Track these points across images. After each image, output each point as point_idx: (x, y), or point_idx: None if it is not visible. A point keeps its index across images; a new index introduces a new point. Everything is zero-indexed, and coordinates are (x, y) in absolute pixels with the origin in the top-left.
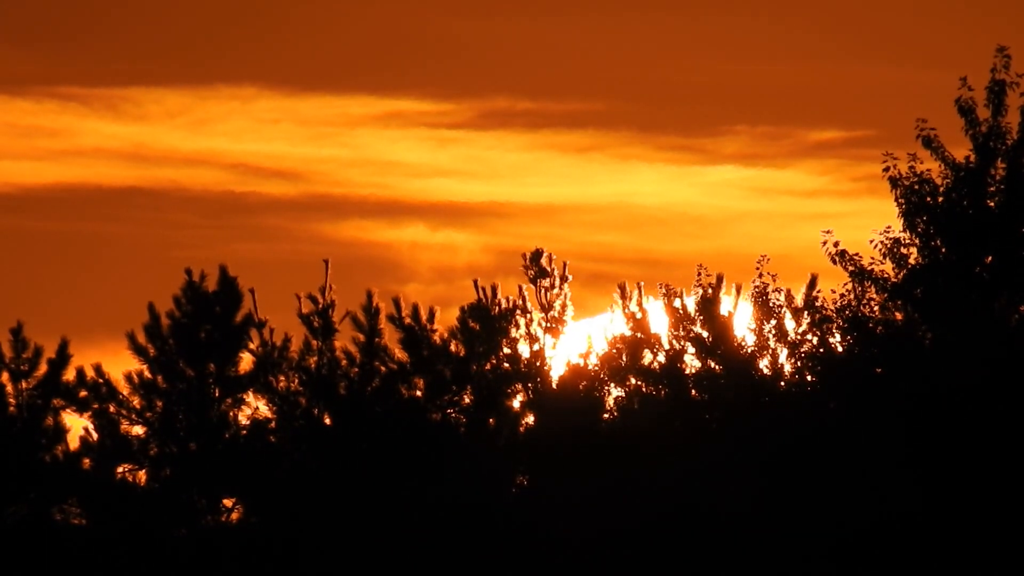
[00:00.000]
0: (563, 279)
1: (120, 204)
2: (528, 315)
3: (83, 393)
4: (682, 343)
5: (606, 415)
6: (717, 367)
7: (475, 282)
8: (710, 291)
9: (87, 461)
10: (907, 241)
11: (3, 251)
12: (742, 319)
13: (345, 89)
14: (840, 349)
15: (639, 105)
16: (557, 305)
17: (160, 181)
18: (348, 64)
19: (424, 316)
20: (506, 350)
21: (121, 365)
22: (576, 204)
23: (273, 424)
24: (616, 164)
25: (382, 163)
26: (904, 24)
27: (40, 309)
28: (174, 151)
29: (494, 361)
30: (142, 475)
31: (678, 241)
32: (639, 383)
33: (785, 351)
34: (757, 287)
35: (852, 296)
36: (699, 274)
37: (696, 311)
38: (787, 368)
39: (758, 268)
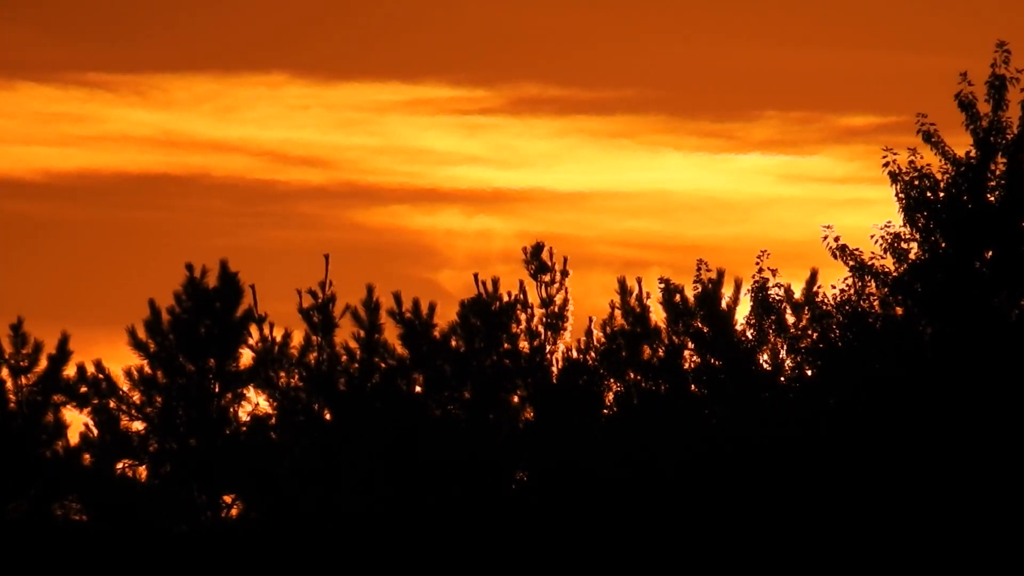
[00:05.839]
0: (564, 274)
1: (147, 192)
2: (529, 310)
3: (83, 389)
4: (682, 337)
5: (605, 410)
6: (717, 362)
7: (475, 276)
8: (710, 285)
9: (87, 457)
10: (907, 236)
11: (26, 240)
12: (743, 314)
13: (374, 76)
14: (840, 344)
15: (669, 91)
16: (557, 299)
17: (188, 168)
18: (377, 51)
19: (425, 311)
20: (506, 345)
21: (121, 360)
22: (606, 191)
23: (273, 420)
24: (646, 150)
25: (412, 150)
26: (933, 10)
27: (44, 303)
28: (202, 138)
29: (494, 356)
30: (142, 471)
31: (709, 227)
32: (638, 378)
33: (785, 346)
34: (757, 282)
35: (852, 291)
36: (699, 269)
37: (696, 305)
38: (787, 363)
39: (758, 263)
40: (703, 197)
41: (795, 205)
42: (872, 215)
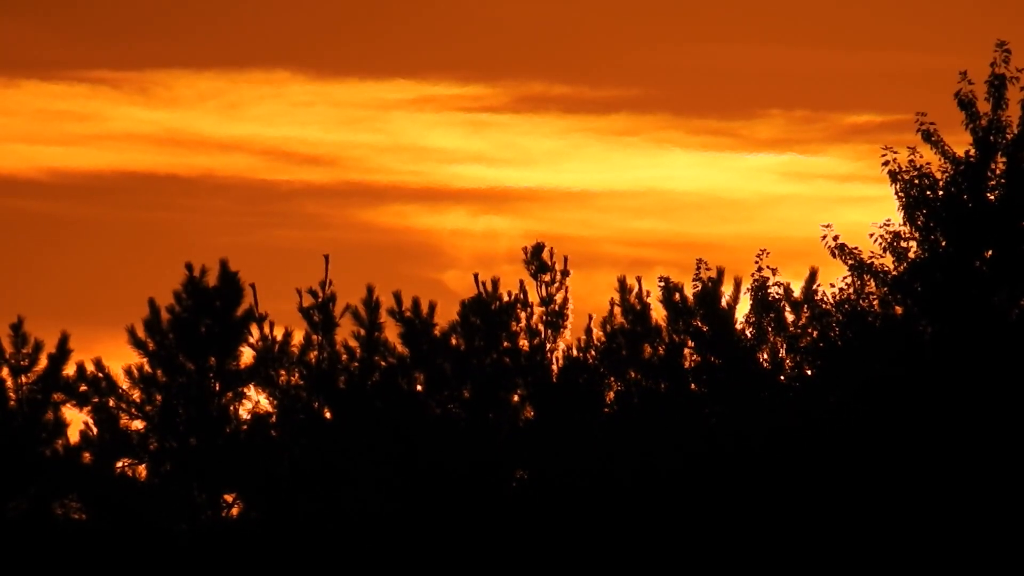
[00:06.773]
0: (564, 273)
1: (150, 190)
2: (528, 309)
3: (83, 387)
4: (682, 336)
5: (605, 409)
6: (717, 360)
7: (475, 276)
8: (710, 284)
9: (87, 455)
10: (907, 235)
11: (27, 239)
12: (743, 312)
13: (379, 73)
14: (839, 343)
15: (673, 90)
16: (558, 299)
17: (191, 167)
18: (381, 48)
19: (425, 310)
20: (506, 344)
21: (121, 359)
22: (611, 189)
23: (274, 418)
24: (651, 149)
25: (417, 148)
26: (933, 10)
27: (44, 302)
28: (206, 136)
29: (494, 355)
30: (142, 470)
31: (713, 226)
32: (638, 376)
33: (784, 345)
34: (756, 281)
35: (852, 290)
36: (698, 268)
37: (696, 304)
38: (787, 362)
39: (757, 262)
40: (708, 195)
41: (799, 203)
42: (876, 213)
